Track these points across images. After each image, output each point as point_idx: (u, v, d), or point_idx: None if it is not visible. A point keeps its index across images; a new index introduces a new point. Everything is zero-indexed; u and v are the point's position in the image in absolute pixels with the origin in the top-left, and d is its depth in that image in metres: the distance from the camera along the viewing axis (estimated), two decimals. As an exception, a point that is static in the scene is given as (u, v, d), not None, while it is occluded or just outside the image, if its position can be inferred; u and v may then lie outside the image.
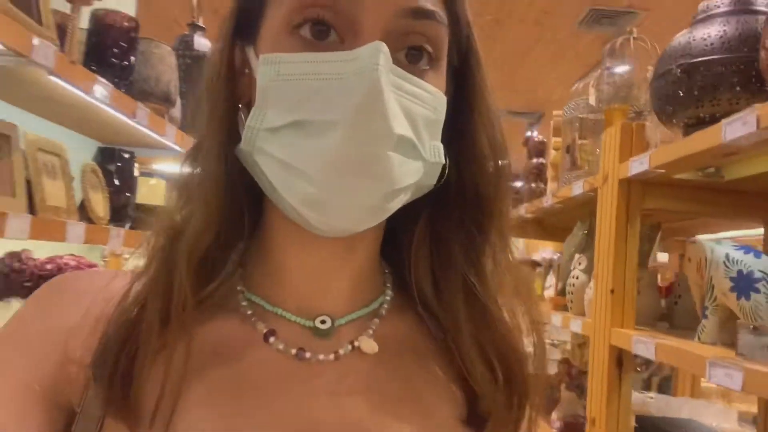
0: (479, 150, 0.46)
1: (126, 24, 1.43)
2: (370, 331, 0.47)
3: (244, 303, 0.46)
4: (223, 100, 0.45)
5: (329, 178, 0.40)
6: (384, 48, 0.38)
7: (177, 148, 1.78)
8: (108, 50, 1.40)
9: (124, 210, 1.62)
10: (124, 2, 2.03)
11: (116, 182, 1.63)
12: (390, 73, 0.39)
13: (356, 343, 0.46)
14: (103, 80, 1.30)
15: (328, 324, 0.46)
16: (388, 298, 0.50)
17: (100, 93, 1.28)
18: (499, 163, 0.47)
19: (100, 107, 1.39)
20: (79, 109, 1.46)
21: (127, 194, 1.66)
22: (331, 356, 0.45)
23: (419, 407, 0.45)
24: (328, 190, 0.40)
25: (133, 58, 1.48)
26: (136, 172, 1.74)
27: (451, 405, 0.47)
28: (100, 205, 1.51)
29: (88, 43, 1.39)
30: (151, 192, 1.83)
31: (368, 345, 0.47)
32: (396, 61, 0.41)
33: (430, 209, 0.48)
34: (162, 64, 1.62)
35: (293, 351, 0.45)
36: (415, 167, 0.42)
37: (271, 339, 0.45)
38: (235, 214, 0.46)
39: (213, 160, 0.44)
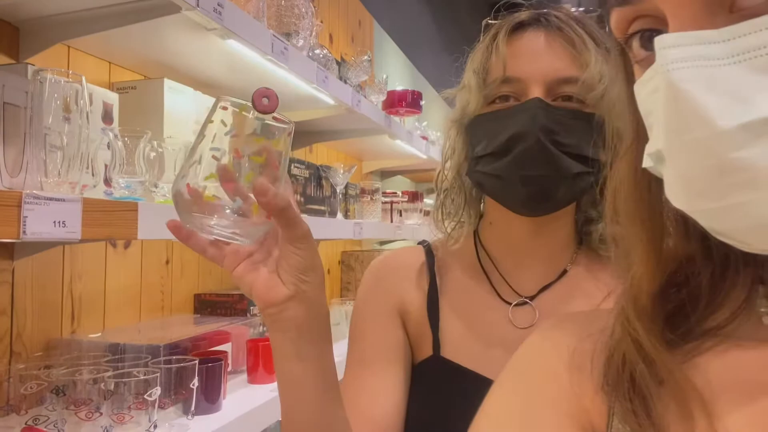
0: None
1: None
2: None
3: None
4: None
5: (697, 210, 0.33)
6: (671, 39, 0.31)
7: None
8: None
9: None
10: None
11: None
12: (707, 48, 0.31)
13: None
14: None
15: None
16: None
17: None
18: None
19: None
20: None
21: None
22: None
23: None
24: (708, 221, 0.33)
25: None
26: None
27: None
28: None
29: None
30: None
31: None
32: (730, 17, 0.32)
33: None
34: None
35: None
36: None
37: None
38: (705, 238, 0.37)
39: (629, 200, 0.40)
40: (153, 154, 1.11)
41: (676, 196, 0.33)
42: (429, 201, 3.76)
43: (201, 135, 0.53)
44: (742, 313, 0.38)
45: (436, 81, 4.85)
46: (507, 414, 0.43)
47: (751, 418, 0.34)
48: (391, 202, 2.59)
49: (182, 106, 1.30)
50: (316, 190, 1.88)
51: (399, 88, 2.75)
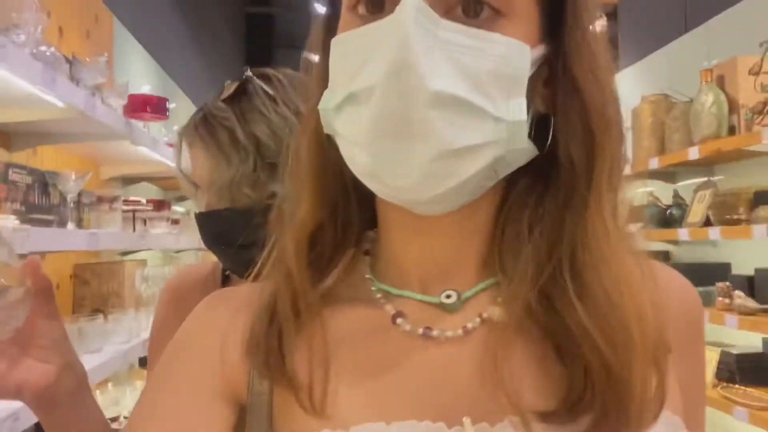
0: (578, 112, 0.42)
1: None
2: (499, 299, 0.45)
3: (373, 289, 0.47)
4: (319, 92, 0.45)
5: (375, 144, 0.40)
6: (414, 3, 0.37)
7: None
8: None
9: None
10: None
11: None
12: (430, 26, 0.38)
13: (484, 315, 0.45)
14: None
15: (454, 298, 0.46)
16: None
17: None
18: (606, 128, 0.42)
19: None
20: None
21: None
22: (460, 331, 0.45)
23: (537, 382, 0.42)
24: (377, 157, 0.40)
25: None
26: None
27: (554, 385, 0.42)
28: None
29: None
30: None
31: (495, 313, 0.45)
32: (452, 16, 0.39)
33: (531, 179, 0.45)
34: None
35: (420, 330, 0.45)
36: (480, 127, 0.39)
37: (399, 320, 0.45)
38: (345, 203, 0.47)
39: (305, 149, 0.47)
40: None
41: (360, 131, 0.40)
42: (179, 209, 3.64)
43: None
44: (354, 276, 0.48)
45: (187, 85, 4.72)
46: (154, 405, 0.46)
47: (356, 365, 0.45)
48: (134, 211, 2.47)
49: None
50: (42, 198, 1.72)
51: (145, 90, 2.64)
